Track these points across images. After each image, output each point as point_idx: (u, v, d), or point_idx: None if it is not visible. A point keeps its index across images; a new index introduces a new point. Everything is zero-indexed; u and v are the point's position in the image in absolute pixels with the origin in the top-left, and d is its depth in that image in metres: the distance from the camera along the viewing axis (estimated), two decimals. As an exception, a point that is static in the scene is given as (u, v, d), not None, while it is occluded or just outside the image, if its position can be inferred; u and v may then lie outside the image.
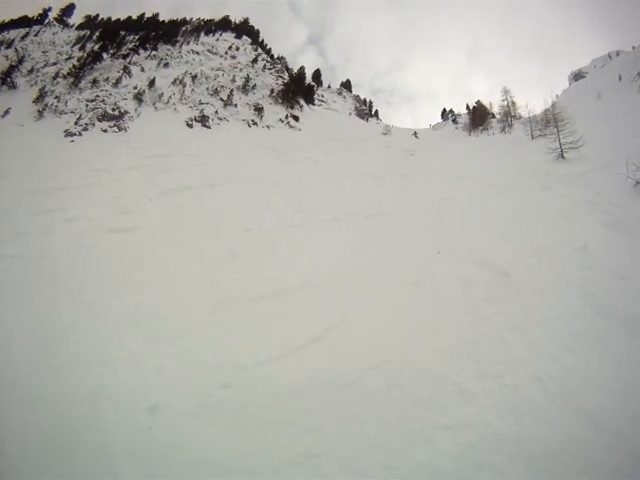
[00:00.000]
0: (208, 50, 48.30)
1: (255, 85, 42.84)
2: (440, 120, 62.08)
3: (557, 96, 40.24)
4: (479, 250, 12.57)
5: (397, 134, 39.90)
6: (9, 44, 47.11)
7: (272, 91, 42.73)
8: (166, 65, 41.68)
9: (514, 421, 6.29)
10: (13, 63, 39.91)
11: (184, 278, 11.79)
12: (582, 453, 5.52)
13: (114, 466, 5.88)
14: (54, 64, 41.26)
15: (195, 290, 11.15)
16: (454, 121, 51.79)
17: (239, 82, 42.03)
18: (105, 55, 41.34)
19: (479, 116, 44.49)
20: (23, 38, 49.20)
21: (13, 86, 36.61)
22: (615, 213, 13.63)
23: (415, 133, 37.12)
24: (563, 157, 20.47)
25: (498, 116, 43.24)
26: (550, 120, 25.75)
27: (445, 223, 15.13)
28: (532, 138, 28.10)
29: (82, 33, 49.86)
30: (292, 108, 41.46)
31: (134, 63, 40.13)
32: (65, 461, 5.84)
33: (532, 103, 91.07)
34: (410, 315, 9.61)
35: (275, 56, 59.42)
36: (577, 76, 51.92)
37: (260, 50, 54.69)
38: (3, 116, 30.29)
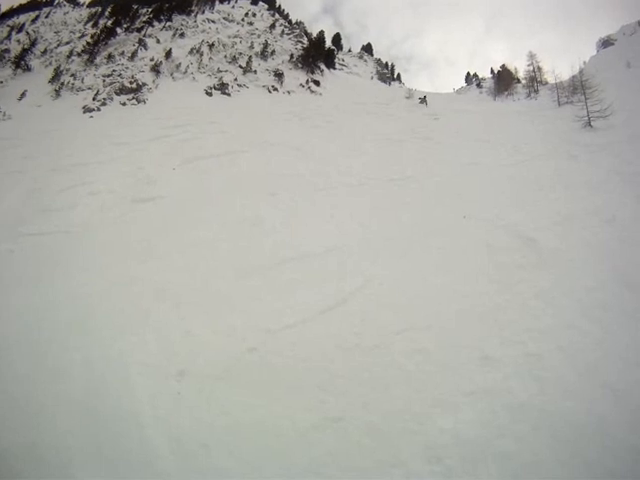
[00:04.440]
0: (224, 18, 46.58)
1: (274, 51, 41.13)
2: (464, 84, 59.03)
3: (584, 63, 37.25)
4: (505, 216, 12.28)
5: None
6: (20, 28, 46.47)
7: (292, 56, 40.92)
8: (182, 35, 40.39)
9: (538, 391, 6.25)
10: (25, 46, 39.20)
11: (210, 244, 11.73)
12: (603, 429, 5.46)
13: (144, 431, 6.01)
14: (67, 43, 40.51)
15: (221, 256, 11.13)
16: (478, 85, 48.83)
17: (257, 48, 40.46)
18: (119, 30, 40.27)
19: (504, 81, 41.90)
20: (34, 21, 48.50)
21: (27, 68, 36.00)
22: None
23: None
24: (591, 125, 19.70)
25: (524, 81, 40.54)
26: (577, 87, 24.92)
27: (470, 188, 14.67)
28: (559, 105, 26.73)
29: (94, 10, 48.73)
30: (312, 73, 39.65)
31: (149, 35, 38.97)
32: (96, 427, 6.00)
33: (558, 69, 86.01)
34: (435, 280, 9.50)
35: (293, 21, 57.23)
36: (606, 43, 47.76)
37: (277, 16, 52.47)
38: (20, 99, 29.62)
